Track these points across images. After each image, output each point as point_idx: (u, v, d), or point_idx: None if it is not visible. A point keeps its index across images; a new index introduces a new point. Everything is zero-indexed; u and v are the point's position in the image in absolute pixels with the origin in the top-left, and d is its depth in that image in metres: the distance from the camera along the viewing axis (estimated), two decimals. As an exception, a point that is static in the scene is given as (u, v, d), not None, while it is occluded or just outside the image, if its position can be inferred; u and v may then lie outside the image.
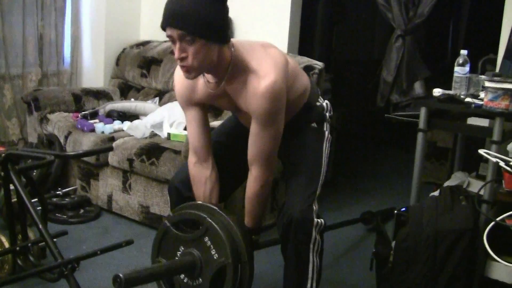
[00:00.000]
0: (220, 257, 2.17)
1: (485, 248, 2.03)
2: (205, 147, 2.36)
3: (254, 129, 2.20)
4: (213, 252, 2.19)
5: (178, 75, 2.29)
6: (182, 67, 2.06)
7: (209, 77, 2.19)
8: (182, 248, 2.27)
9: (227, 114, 3.45)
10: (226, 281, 2.17)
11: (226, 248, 2.15)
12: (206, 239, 2.20)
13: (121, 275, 1.93)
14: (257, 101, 2.10)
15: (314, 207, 2.25)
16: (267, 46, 2.23)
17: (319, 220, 2.26)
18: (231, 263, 2.15)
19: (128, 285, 1.96)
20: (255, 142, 2.22)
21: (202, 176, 2.36)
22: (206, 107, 2.37)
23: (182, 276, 2.28)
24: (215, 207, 2.28)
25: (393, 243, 2.87)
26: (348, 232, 3.71)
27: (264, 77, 2.08)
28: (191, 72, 2.07)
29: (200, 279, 2.22)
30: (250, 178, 2.30)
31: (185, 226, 2.31)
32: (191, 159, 2.39)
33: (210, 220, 2.19)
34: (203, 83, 2.23)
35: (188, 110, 2.34)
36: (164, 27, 2.03)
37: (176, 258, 2.28)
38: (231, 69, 2.12)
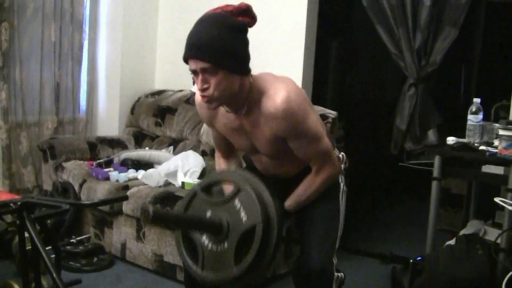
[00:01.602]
0: (249, 219, 2.05)
1: (504, 298, 2.00)
2: (231, 149, 2.49)
3: (292, 144, 2.20)
4: (242, 214, 2.08)
5: (199, 103, 2.33)
6: (203, 97, 2.09)
7: (227, 108, 2.21)
8: (209, 212, 2.15)
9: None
10: (254, 243, 2.02)
11: (257, 210, 2.04)
12: (236, 201, 2.09)
13: (150, 208, 1.87)
14: (279, 120, 2.09)
15: (334, 261, 2.24)
16: (285, 77, 2.24)
17: (339, 274, 2.25)
18: (261, 224, 2.02)
19: (155, 219, 1.89)
20: (302, 153, 2.23)
21: (230, 161, 2.51)
22: None
23: (206, 242, 2.14)
24: (247, 172, 2.22)
25: (409, 293, 2.84)
26: (364, 278, 3.66)
27: (276, 94, 2.09)
28: (212, 103, 2.10)
29: (226, 244, 2.09)
30: (312, 170, 2.29)
31: (214, 191, 2.24)
32: (218, 154, 2.54)
33: (242, 182, 2.10)
34: (223, 113, 2.26)
35: (212, 128, 2.43)
36: (186, 58, 2.06)
37: None
38: (249, 99, 2.14)
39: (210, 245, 2.13)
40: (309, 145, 2.19)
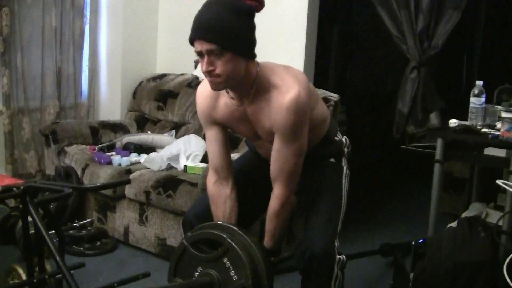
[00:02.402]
0: (240, 278, 2.11)
1: (506, 280, 2.01)
2: (225, 165, 2.36)
3: (277, 145, 2.18)
4: (232, 273, 2.13)
5: (200, 92, 2.31)
6: (209, 79, 2.08)
7: (232, 94, 2.20)
8: (200, 269, 2.21)
9: (243, 148, 3.47)
10: None
11: (246, 270, 2.09)
12: (225, 260, 2.15)
13: None
14: (282, 115, 2.09)
15: (336, 244, 2.24)
16: (290, 67, 2.24)
17: (340, 257, 2.25)
18: (251, 285, 2.08)
19: None
20: (278, 159, 2.20)
21: (222, 194, 2.35)
22: (226, 128, 2.36)
23: None
24: (235, 227, 2.24)
25: (411, 276, 2.84)
26: (366, 265, 3.67)
27: (288, 91, 2.08)
28: (218, 85, 2.09)
29: None
30: (272, 196, 2.27)
31: (203, 246, 2.26)
32: (211, 179, 2.38)
33: (230, 241, 2.14)
34: (225, 103, 2.24)
35: (209, 129, 2.35)
36: (192, 39, 2.05)
37: (194, 278, 2.23)
38: (256, 87, 2.13)
39: None
40: (289, 153, 2.17)
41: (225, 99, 2.24)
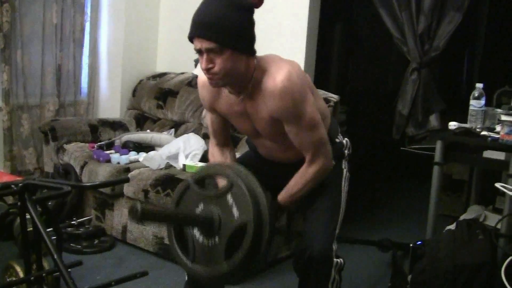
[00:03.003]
0: (241, 216, 2.04)
1: (503, 282, 2.01)
2: (225, 134, 2.43)
3: (288, 129, 2.16)
4: (234, 210, 2.06)
5: (203, 82, 2.27)
6: (208, 76, 2.07)
7: (231, 89, 2.18)
8: (201, 205, 2.13)
9: (243, 147, 3.47)
10: (245, 240, 2.01)
11: (249, 206, 2.01)
12: (229, 196, 2.07)
13: (138, 206, 1.85)
14: (277, 99, 2.06)
15: (334, 247, 2.23)
16: (291, 60, 2.21)
17: (338, 260, 2.24)
18: (252, 222, 2.00)
19: (144, 217, 1.86)
20: (296, 139, 2.18)
21: (224, 152, 2.44)
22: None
23: (197, 235, 2.13)
24: (241, 167, 2.17)
25: (409, 277, 2.84)
26: (364, 265, 3.67)
27: (277, 73, 2.06)
28: (217, 82, 2.09)
29: (217, 238, 2.08)
30: (306, 160, 2.23)
31: (207, 184, 2.22)
32: (213, 141, 2.46)
33: (235, 178, 2.07)
34: (226, 96, 2.22)
35: (211, 112, 2.37)
36: (191, 37, 2.04)
37: None
38: (253, 80, 2.11)
39: (201, 239, 2.12)
40: (304, 131, 2.15)
41: (227, 92, 2.22)
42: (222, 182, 2.19)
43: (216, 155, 2.45)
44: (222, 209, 2.08)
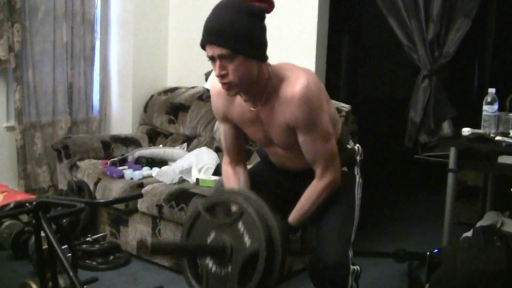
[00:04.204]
0: (253, 244, 2.04)
1: (523, 290, 1.98)
2: (239, 150, 2.41)
3: (301, 139, 2.16)
4: (245, 238, 2.07)
5: (216, 91, 2.28)
6: (222, 84, 2.07)
7: (245, 97, 2.18)
8: (213, 234, 2.14)
9: (255, 159, 3.46)
10: (257, 269, 2.01)
11: (260, 234, 2.02)
12: (240, 224, 2.08)
13: (148, 241, 1.84)
14: (295, 106, 2.07)
15: (350, 254, 2.22)
16: (306, 68, 2.22)
17: (355, 267, 2.22)
18: (264, 250, 2.01)
19: (154, 251, 1.84)
20: (308, 150, 2.18)
21: (236, 171, 2.41)
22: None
23: (210, 264, 2.14)
24: (251, 193, 2.19)
25: (427, 286, 2.82)
26: (380, 276, 3.64)
27: (296, 81, 2.07)
28: (232, 89, 2.08)
29: (229, 267, 2.08)
30: (316, 174, 2.23)
31: (219, 212, 2.20)
32: (225, 160, 2.44)
33: (245, 205, 2.08)
34: (239, 103, 2.22)
35: (224, 124, 2.36)
36: (203, 44, 2.04)
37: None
38: (268, 88, 2.11)
39: (214, 268, 2.13)
40: (316, 141, 2.15)
41: (240, 100, 2.22)
42: (233, 207, 2.19)
43: (229, 175, 2.42)
44: (234, 238, 2.09)
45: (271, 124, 2.18)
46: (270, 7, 2.09)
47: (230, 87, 2.06)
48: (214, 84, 2.28)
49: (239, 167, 2.42)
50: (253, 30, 2.02)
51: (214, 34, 1.99)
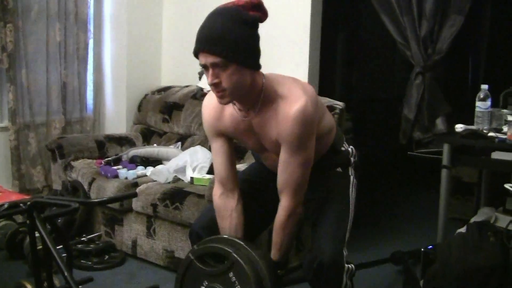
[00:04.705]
0: None
1: (517, 285, 1.99)
2: (231, 177, 2.34)
3: (283, 156, 2.17)
4: None
5: (206, 103, 2.29)
6: (216, 92, 2.07)
7: (239, 105, 2.18)
8: (206, 283, 2.21)
9: (249, 158, 3.46)
10: None
11: (251, 285, 2.09)
12: (231, 274, 2.15)
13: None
14: (288, 125, 2.08)
15: (344, 253, 2.23)
16: (297, 79, 2.23)
17: (349, 266, 2.23)
18: None
19: None
20: (285, 170, 2.18)
21: (228, 207, 2.33)
22: (232, 140, 2.35)
23: None
24: (241, 242, 2.23)
25: (421, 283, 2.82)
26: (376, 273, 3.65)
27: (295, 101, 2.07)
28: (224, 98, 2.07)
29: None
30: (279, 208, 2.25)
31: (209, 260, 2.25)
32: (217, 191, 2.37)
33: (235, 255, 2.14)
34: (230, 114, 2.22)
35: (215, 141, 2.33)
36: (196, 52, 2.04)
37: None
38: (262, 98, 2.12)
39: None
40: (295, 165, 2.16)
41: (231, 110, 2.22)
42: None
43: (221, 213, 2.35)
44: (226, 287, 2.16)
45: (263, 134, 2.19)
46: (263, 16, 2.09)
47: (223, 95, 2.06)
48: (205, 100, 2.31)
49: (231, 199, 2.34)
50: (247, 39, 2.02)
51: (207, 43, 1.99)
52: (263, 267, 2.15)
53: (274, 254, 2.31)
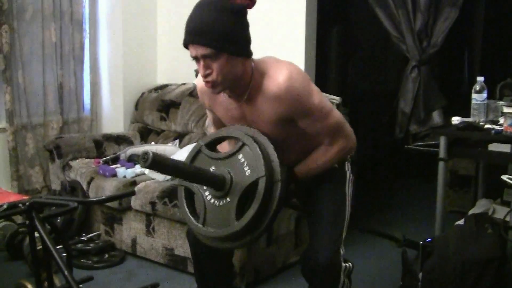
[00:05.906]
0: (253, 173, 2.03)
1: (514, 275, 2.00)
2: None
3: (302, 125, 2.15)
4: (245, 169, 2.06)
5: (200, 86, 2.29)
6: (206, 83, 2.06)
7: (230, 93, 2.17)
8: (213, 167, 2.14)
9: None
10: (256, 197, 2.00)
11: (260, 164, 2.01)
12: (240, 156, 2.08)
13: (150, 152, 1.81)
14: (284, 99, 2.05)
15: (341, 251, 2.21)
16: (287, 61, 2.19)
17: (347, 264, 2.22)
18: (264, 178, 2.00)
19: (154, 164, 1.81)
20: (312, 131, 2.17)
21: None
22: None
23: (209, 197, 2.13)
24: (251, 128, 2.17)
25: (420, 275, 2.83)
26: (374, 266, 3.67)
27: (278, 75, 2.05)
28: (216, 87, 2.07)
29: (228, 199, 2.07)
30: (325, 143, 2.23)
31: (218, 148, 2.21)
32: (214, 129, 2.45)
33: (246, 138, 2.08)
34: (223, 101, 2.22)
35: (210, 113, 2.39)
36: (186, 44, 2.04)
37: None
38: (252, 83, 2.10)
39: (212, 200, 2.11)
40: (318, 121, 2.13)
41: (224, 95, 2.22)
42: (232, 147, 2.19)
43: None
44: (234, 169, 2.07)
45: (256, 120, 2.17)
46: (251, 3, 2.07)
47: (214, 86, 2.06)
48: (198, 82, 2.28)
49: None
50: (236, 28, 2.01)
51: (196, 34, 1.98)
52: (273, 151, 2.07)
53: (298, 166, 2.27)
